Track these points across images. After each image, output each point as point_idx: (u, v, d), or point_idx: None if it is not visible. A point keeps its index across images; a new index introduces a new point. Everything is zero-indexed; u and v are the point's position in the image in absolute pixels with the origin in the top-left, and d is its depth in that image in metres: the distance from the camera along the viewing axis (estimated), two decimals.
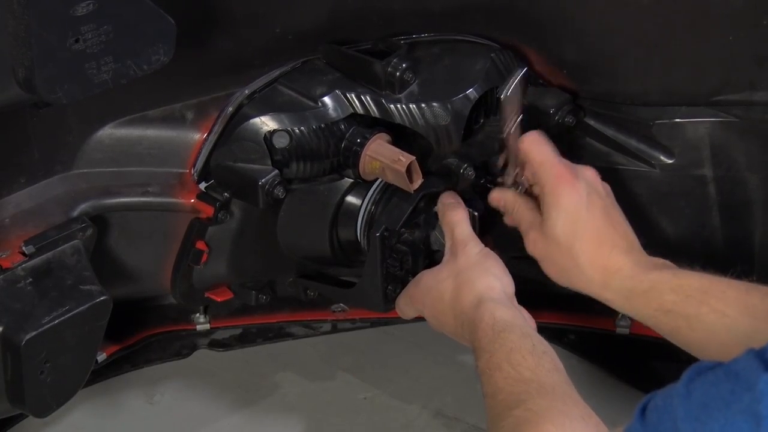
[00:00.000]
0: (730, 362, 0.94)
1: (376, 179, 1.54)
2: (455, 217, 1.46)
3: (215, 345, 1.90)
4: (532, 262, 1.71)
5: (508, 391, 1.18)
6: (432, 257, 1.52)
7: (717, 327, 1.24)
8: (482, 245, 1.42)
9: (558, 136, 1.57)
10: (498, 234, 1.64)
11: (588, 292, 1.37)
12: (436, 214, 1.51)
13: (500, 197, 1.47)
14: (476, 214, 1.50)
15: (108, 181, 1.49)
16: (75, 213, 1.45)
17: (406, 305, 1.50)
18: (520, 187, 1.46)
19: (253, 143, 1.47)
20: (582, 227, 1.35)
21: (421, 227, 1.51)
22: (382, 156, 1.47)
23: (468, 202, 1.51)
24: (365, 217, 1.55)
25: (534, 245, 1.39)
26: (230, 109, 1.49)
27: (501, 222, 1.55)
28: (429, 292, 1.43)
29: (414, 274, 1.50)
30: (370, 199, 1.55)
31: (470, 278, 1.36)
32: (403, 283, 1.53)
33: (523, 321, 1.30)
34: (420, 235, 1.51)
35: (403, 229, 1.50)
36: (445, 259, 1.44)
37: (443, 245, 1.48)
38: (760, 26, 1.38)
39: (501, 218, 1.52)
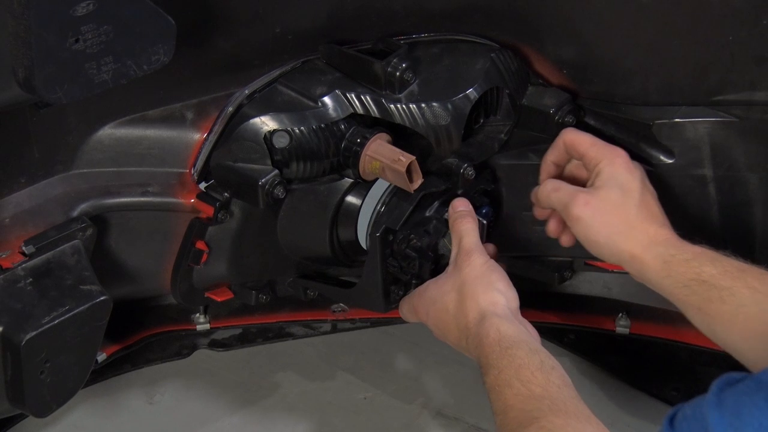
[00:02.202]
0: (760, 373, 1.00)
1: (377, 179, 1.54)
2: (464, 226, 1.45)
3: (215, 345, 1.90)
4: (532, 263, 1.72)
5: (519, 409, 1.18)
6: (439, 262, 1.52)
7: (747, 300, 1.27)
8: (487, 257, 1.42)
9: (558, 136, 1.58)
10: (499, 234, 1.64)
11: (627, 252, 1.38)
12: (446, 221, 1.50)
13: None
14: (485, 222, 1.50)
15: (108, 181, 1.49)
16: (75, 213, 1.45)
17: (409, 313, 1.51)
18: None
19: (253, 143, 1.47)
20: (637, 192, 1.41)
21: (431, 234, 1.51)
22: (382, 156, 1.47)
23: (478, 210, 1.51)
24: (373, 217, 1.54)
25: (585, 204, 1.40)
26: (230, 109, 1.49)
27: (504, 222, 1.55)
28: (433, 304, 1.42)
29: (421, 279, 1.50)
30: (379, 201, 1.54)
31: (474, 292, 1.36)
32: (407, 286, 1.53)
33: (528, 336, 1.30)
34: (429, 242, 1.51)
35: (412, 235, 1.50)
36: (449, 268, 1.44)
37: (450, 251, 1.48)
38: (760, 26, 1.38)
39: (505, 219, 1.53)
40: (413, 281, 1.52)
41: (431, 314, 1.43)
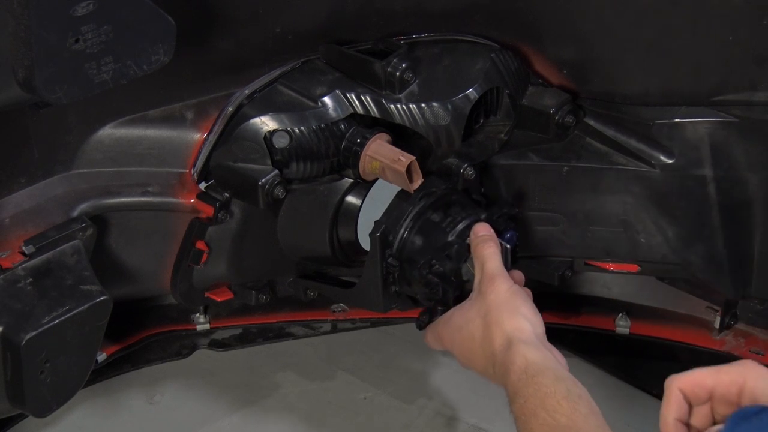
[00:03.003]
0: None
1: (377, 179, 1.54)
2: (486, 251, 1.42)
3: (215, 345, 1.90)
4: (533, 262, 1.71)
5: None
6: (463, 288, 1.49)
7: None
8: (511, 282, 1.38)
9: (558, 136, 1.58)
10: None
11: None
12: (468, 246, 1.47)
13: None
14: (509, 247, 1.47)
15: (108, 181, 1.49)
16: (75, 213, 1.45)
17: (434, 341, 1.48)
18: None
19: (253, 143, 1.47)
20: None
21: (453, 259, 1.48)
22: (382, 156, 1.47)
23: (501, 235, 1.47)
24: (398, 245, 1.51)
25: None
26: (230, 109, 1.49)
27: None
28: (459, 331, 1.39)
29: (446, 306, 1.47)
30: (404, 227, 1.51)
31: (499, 319, 1.33)
32: (432, 313, 1.51)
33: (555, 363, 1.28)
34: (451, 267, 1.48)
35: (434, 260, 1.47)
36: (473, 295, 1.41)
37: (474, 276, 1.44)
38: (760, 26, 1.38)
39: None
40: (438, 308, 1.50)
41: (456, 342, 1.40)
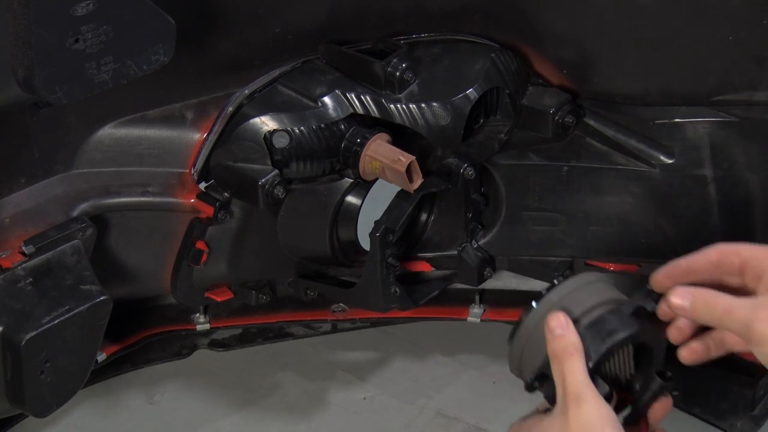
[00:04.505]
0: None
1: (377, 179, 1.54)
2: (567, 364, 1.14)
3: (215, 345, 1.90)
4: (532, 263, 1.71)
5: None
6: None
7: None
8: (602, 402, 1.12)
9: (558, 136, 1.58)
10: (499, 234, 1.64)
11: None
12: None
13: (684, 294, 1.14)
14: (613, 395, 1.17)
15: (108, 181, 1.49)
16: (75, 213, 1.45)
17: None
18: None
19: (253, 143, 1.47)
20: None
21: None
22: (382, 156, 1.47)
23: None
24: None
25: None
26: (230, 109, 1.49)
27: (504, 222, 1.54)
28: None
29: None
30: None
31: None
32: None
33: None
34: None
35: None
36: (556, 409, 1.15)
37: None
38: (760, 26, 1.38)
39: None
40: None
41: None
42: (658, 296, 1.17)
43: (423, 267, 1.71)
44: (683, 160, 1.54)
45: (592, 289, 1.19)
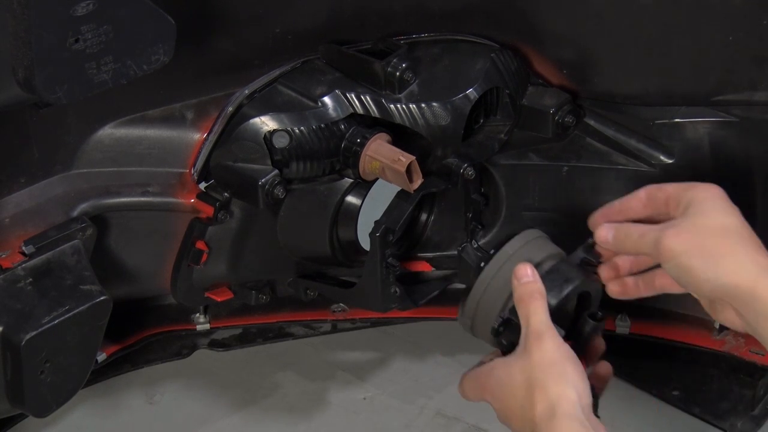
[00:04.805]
0: None
1: (377, 179, 1.54)
2: (531, 305, 1.26)
3: (215, 345, 1.90)
4: None
5: None
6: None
7: None
8: (560, 340, 1.23)
9: (558, 136, 1.58)
10: (499, 234, 1.64)
11: (732, 282, 1.18)
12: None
13: (608, 228, 1.29)
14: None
15: (108, 181, 1.49)
16: (75, 213, 1.45)
17: (472, 391, 1.33)
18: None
19: (253, 143, 1.47)
20: (737, 218, 1.23)
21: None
22: (382, 156, 1.47)
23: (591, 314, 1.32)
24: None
25: (677, 234, 1.20)
26: (230, 109, 1.49)
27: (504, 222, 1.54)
28: (500, 387, 1.27)
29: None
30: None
31: (544, 382, 1.20)
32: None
33: None
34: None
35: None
36: (518, 349, 1.26)
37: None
38: (760, 26, 1.38)
39: None
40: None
41: (497, 397, 1.28)
42: (598, 254, 1.32)
43: (423, 267, 1.71)
44: (683, 160, 1.54)
45: (539, 243, 1.34)
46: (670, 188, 1.26)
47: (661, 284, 1.30)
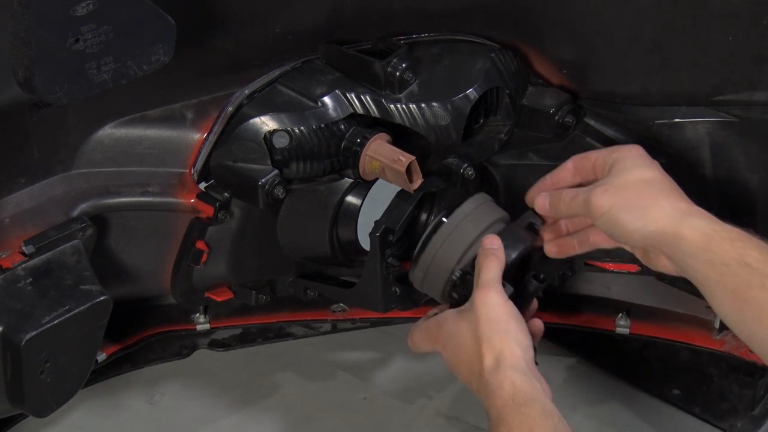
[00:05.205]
0: None
1: (377, 179, 1.54)
2: (485, 263, 1.37)
3: (215, 345, 1.90)
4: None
5: None
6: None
7: None
8: (505, 297, 1.33)
9: (558, 136, 1.58)
10: None
11: (658, 228, 1.28)
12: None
13: (544, 197, 1.42)
14: (512, 289, 1.38)
15: (108, 181, 1.49)
16: (75, 213, 1.45)
17: (423, 342, 1.43)
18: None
19: (253, 143, 1.47)
20: (658, 172, 1.34)
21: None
22: (382, 156, 1.47)
23: (535, 276, 1.43)
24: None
25: (604, 192, 1.31)
26: (230, 109, 1.49)
27: None
28: (450, 339, 1.36)
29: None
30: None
31: (490, 336, 1.29)
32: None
33: (543, 395, 1.24)
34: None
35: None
36: (467, 304, 1.36)
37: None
38: (759, 26, 1.38)
39: None
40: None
41: (447, 348, 1.37)
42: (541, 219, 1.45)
43: None
44: (683, 160, 1.54)
45: (490, 206, 1.48)
46: (594, 155, 1.39)
47: (595, 240, 1.42)
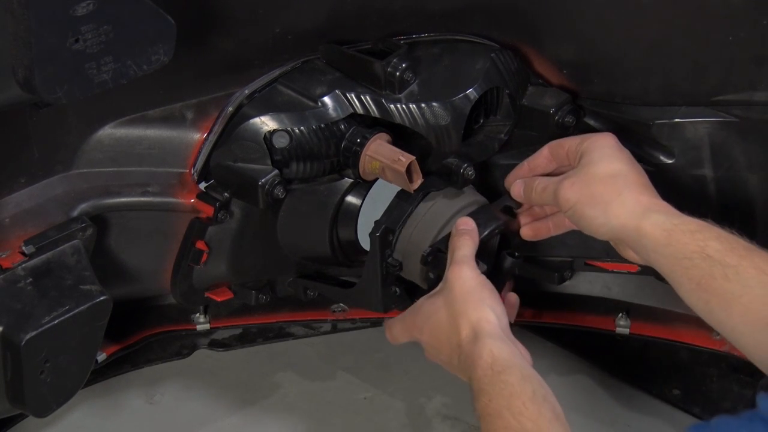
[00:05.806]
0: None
1: (377, 179, 1.54)
2: (458, 242, 1.41)
3: (215, 345, 1.90)
4: (532, 263, 1.71)
5: None
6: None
7: (753, 282, 1.22)
8: (477, 271, 1.36)
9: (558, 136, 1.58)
10: None
11: (620, 223, 1.32)
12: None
13: (519, 184, 1.47)
14: (486, 267, 1.42)
15: (108, 181, 1.49)
16: (75, 213, 1.45)
17: (401, 332, 1.45)
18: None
19: (253, 143, 1.47)
20: (625, 164, 1.37)
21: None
22: (382, 156, 1.47)
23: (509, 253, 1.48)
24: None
25: (571, 185, 1.36)
26: (230, 109, 1.49)
27: None
28: (427, 320, 1.37)
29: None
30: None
31: (465, 309, 1.32)
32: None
33: (521, 360, 1.26)
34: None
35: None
36: (441, 284, 1.39)
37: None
38: (760, 26, 1.38)
39: None
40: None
41: (425, 331, 1.38)
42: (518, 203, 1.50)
43: None
44: (683, 160, 1.54)
45: (466, 189, 1.53)
46: (568, 142, 1.43)
47: (569, 223, 1.44)
